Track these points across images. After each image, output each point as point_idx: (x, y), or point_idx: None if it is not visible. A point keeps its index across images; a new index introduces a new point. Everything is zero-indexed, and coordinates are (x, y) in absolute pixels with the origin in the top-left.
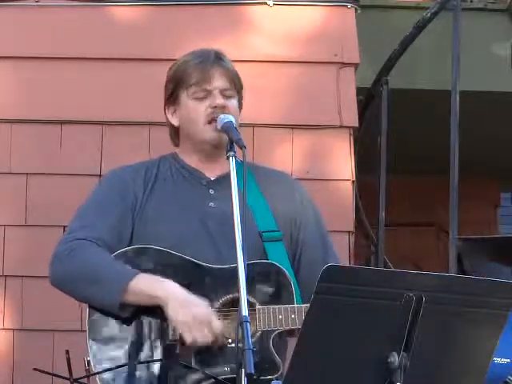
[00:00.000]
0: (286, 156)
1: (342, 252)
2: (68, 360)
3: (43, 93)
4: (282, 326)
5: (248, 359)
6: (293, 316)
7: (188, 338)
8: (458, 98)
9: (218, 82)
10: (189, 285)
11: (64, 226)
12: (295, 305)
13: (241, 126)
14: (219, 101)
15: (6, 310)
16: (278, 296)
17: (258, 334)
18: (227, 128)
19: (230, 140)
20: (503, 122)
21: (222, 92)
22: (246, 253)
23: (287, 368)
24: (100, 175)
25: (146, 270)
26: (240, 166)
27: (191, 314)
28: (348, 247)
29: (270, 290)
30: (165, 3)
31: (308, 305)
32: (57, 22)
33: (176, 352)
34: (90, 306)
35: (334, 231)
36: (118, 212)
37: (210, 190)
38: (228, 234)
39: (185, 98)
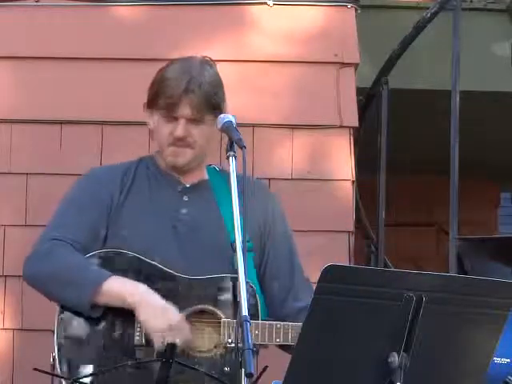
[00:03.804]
0: (286, 156)
1: (341, 252)
2: None
3: (43, 93)
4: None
5: (248, 359)
6: (257, 332)
7: (159, 345)
8: (457, 98)
9: (185, 110)
10: (158, 293)
11: None
12: (259, 321)
13: (241, 125)
14: (178, 133)
15: (6, 310)
16: None
17: (222, 346)
18: (227, 128)
19: (230, 140)
20: (503, 122)
21: (189, 120)
22: (224, 262)
23: (287, 368)
24: None
25: (116, 274)
26: (215, 173)
27: (165, 322)
28: (348, 247)
29: (234, 303)
30: (165, 3)
31: (269, 322)
32: (57, 21)
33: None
34: (62, 306)
35: (334, 231)
36: (95, 212)
37: (184, 197)
38: (197, 242)
39: (156, 113)
